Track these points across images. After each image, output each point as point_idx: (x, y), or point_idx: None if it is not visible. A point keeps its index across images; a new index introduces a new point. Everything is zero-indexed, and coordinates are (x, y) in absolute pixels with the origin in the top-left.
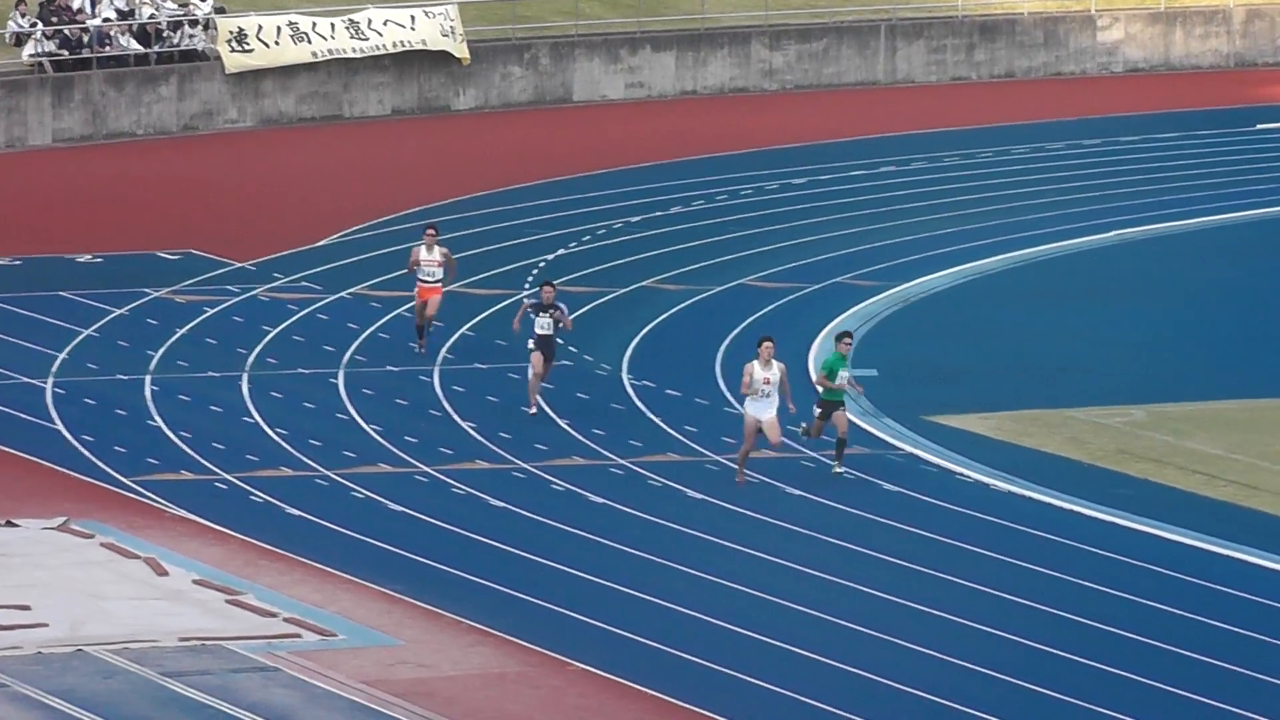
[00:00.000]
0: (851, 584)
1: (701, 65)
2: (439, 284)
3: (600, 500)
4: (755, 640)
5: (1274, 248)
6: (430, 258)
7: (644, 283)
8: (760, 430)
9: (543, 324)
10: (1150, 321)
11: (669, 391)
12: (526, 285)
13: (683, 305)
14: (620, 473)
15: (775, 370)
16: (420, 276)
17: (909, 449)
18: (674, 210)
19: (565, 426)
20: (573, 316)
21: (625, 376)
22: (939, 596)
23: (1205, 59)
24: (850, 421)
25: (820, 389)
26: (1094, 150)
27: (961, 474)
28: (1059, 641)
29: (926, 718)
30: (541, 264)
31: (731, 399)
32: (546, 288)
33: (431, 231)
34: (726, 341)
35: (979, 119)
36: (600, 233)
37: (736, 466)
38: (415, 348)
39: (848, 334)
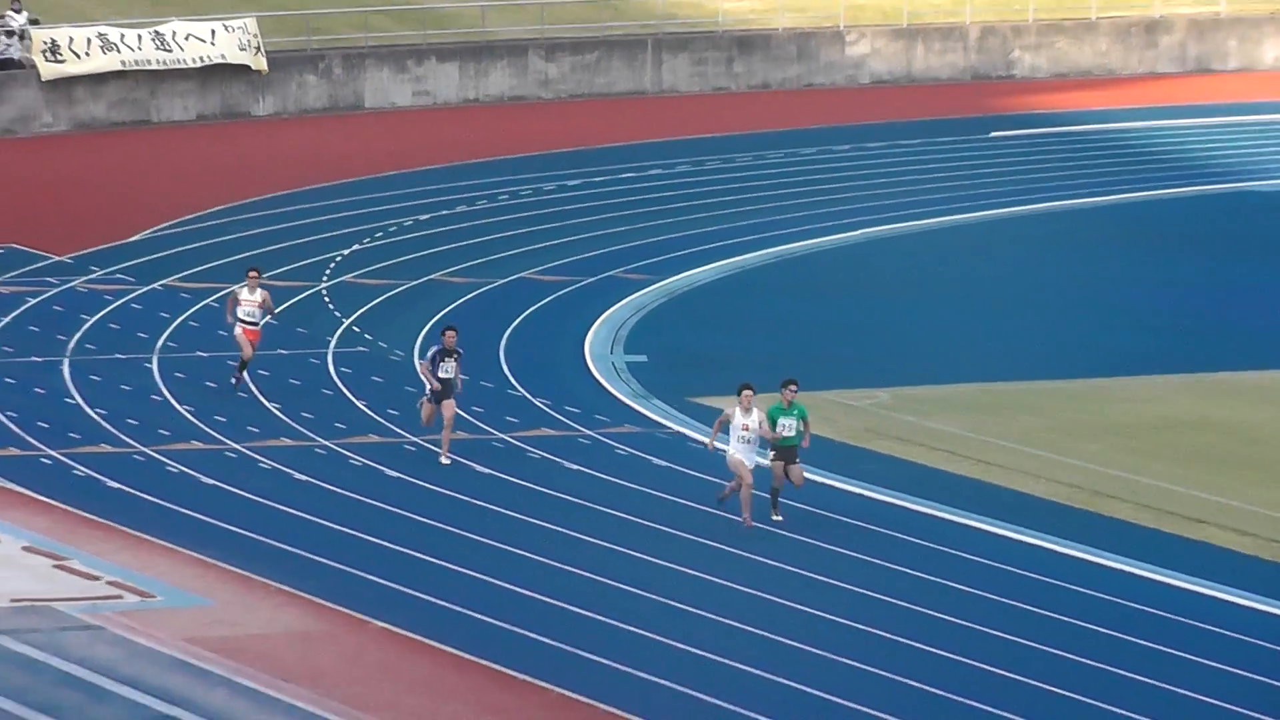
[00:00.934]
0: (623, 549)
1: (483, 75)
2: (257, 326)
3: (394, 474)
4: (530, 598)
5: (1006, 244)
6: (251, 298)
7: (432, 276)
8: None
9: (446, 369)
10: (895, 312)
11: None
12: (324, 278)
13: (468, 297)
14: (412, 449)
15: (755, 417)
16: (240, 316)
17: (676, 428)
18: (459, 209)
19: (363, 408)
20: (367, 308)
21: (417, 362)
22: (700, 559)
23: (944, 72)
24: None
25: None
26: (843, 155)
27: (722, 449)
28: (805, 599)
29: (684, 664)
30: (338, 258)
31: (514, 381)
32: (448, 332)
33: (254, 273)
34: (509, 330)
35: (738, 126)
36: (392, 230)
37: (727, 493)
38: (233, 381)
39: (792, 381)
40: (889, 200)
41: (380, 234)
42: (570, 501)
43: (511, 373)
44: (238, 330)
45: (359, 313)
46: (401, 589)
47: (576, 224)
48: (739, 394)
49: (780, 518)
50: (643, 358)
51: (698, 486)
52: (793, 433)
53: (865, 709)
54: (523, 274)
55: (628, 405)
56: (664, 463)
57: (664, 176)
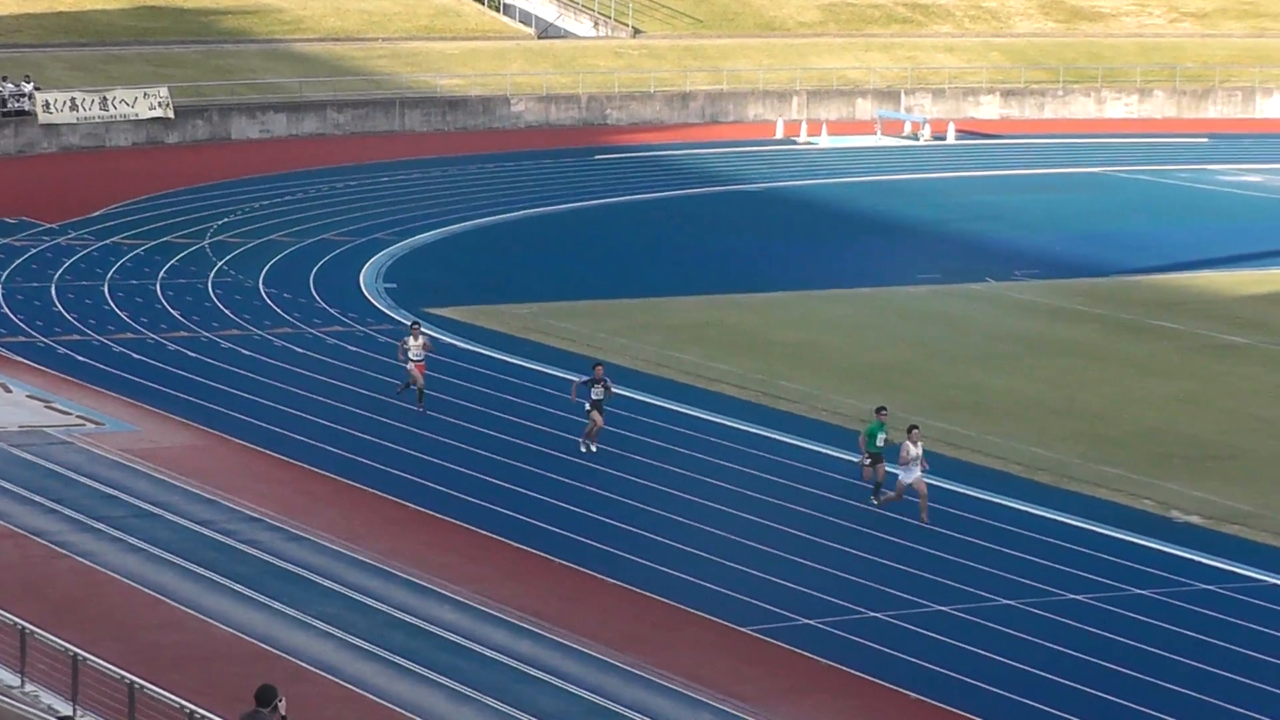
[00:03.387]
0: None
1: (300, 121)
2: (422, 361)
3: (242, 351)
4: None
5: (605, 220)
6: (416, 344)
7: (271, 237)
8: (911, 486)
9: (596, 393)
10: (541, 261)
11: (285, 294)
12: (207, 238)
13: (292, 249)
14: (239, 334)
15: (919, 449)
16: (411, 357)
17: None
18: (286, 198)
19: (229, 313)
20: (231, 256)
21: (262, 287)
22: (402, 420)
23: (568, 121)
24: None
25: (862, 447)
26: (511, 169)
27: (440, 338)
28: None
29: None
30: (214, 226)
31: (319, 299)
32: (597, 367)
33: (417, 325)
34: (315, 269)
35: (450, 151)
36: (247, 210)
37: (879, 491)
38: (402, 393)
39: (883, 408)
40: (537, 194)
41: (239, 212)
42: (339, 365)
43: (318, 294)
44: (410, 366)
45: (226, 258)
46: (249, 419)
47: (355, 206)
48: (909, 432)
49: (877, 501)
50: (394, 285)
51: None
52: (883, 444)
53: None
54: (324, 236)
55: (386, 313)
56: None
57: (407, 179)
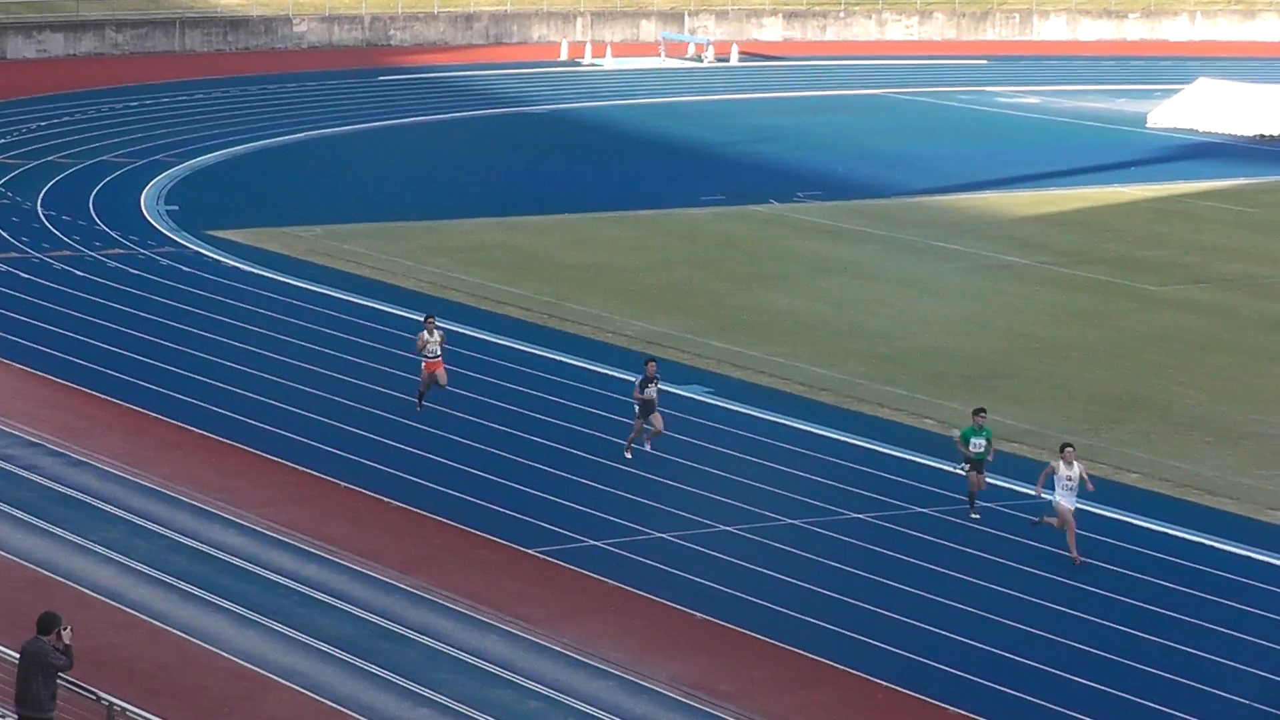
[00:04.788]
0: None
1: (77, 41)
2: (439, 358)
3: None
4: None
5: (392, 141)
6: (432, 339)
7: (49, 158)
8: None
9: (650, 393)
10: (313, 180)
11: (64, 216)
12: None
13: (71, 170)
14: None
15: (1076, 470)
16: (426, 355)
17: (194, 248)
18: (65, 119)
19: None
20: (8, 177)
21: (40, 210)
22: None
23: (350, 42)
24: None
25: (961, 452)
26: (294, 90)
27: (223, 261)
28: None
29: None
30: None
31: (99, 221)
32: (650, 364)
33: (431, 320)
34: (94, 191)
35: (233, 71)
36: (25, 130)
37: (1046, 521)
38: (417, 408)
39: (982, 410)
40: (321, 116)
41: (16, 134)
42: (118, 289)
43: (98, 217)
44: (424, 365)
45: (3, 180)
46: (28, 343)
47: (136, 127)
48: (1061, 451)
49: (977, 515)
50: (176, 207)
51: (207, 285)
52: (982, 449)
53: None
54: (104, 158)
55: (168, 235)
56: (188, 269)
57: (189, 101)
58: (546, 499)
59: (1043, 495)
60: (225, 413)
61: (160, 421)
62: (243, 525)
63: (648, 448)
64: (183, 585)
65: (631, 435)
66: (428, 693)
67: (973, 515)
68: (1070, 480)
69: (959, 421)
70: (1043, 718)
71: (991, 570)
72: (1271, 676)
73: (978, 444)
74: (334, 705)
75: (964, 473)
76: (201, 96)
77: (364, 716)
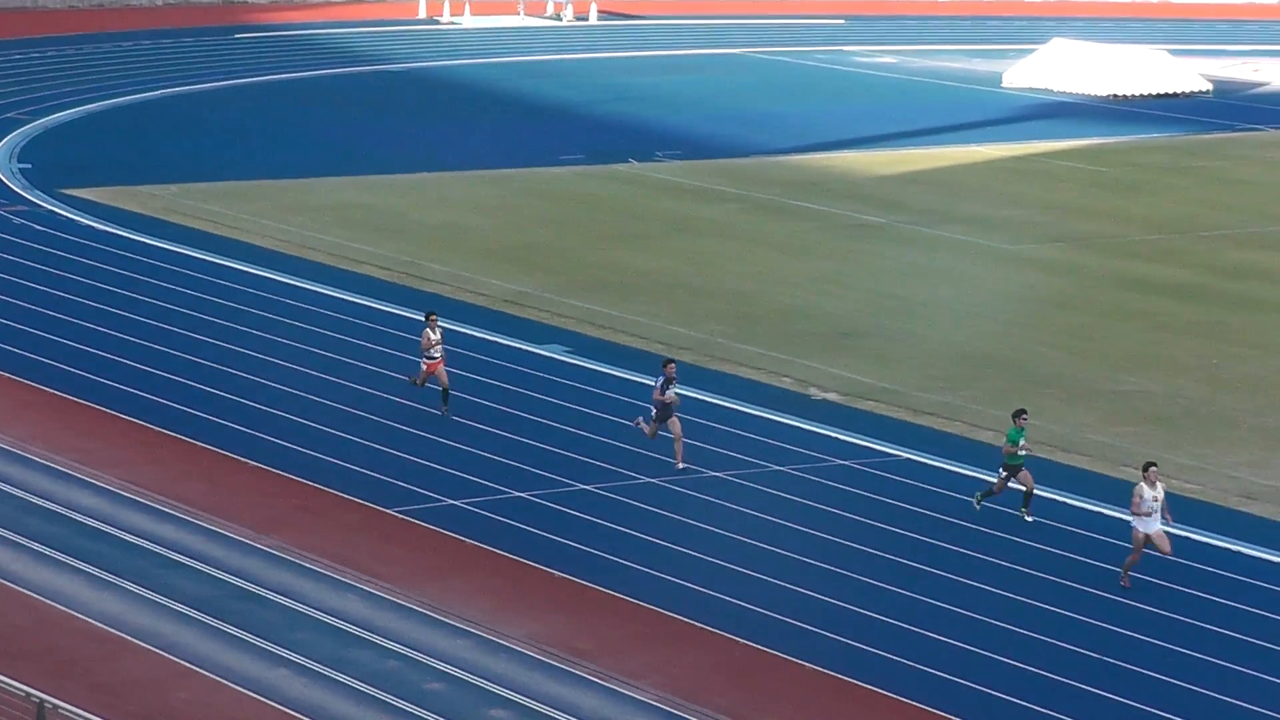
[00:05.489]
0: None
1: None
2: (439, 359)
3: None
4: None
5: (249, 99)
6: (434, 338)
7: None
8: (1149, 540)
9: (670, 395)
10: (180, 139)
11: None
12: None
13: None
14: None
15: (1160, 490)
16: (427, 355)
17: (49, 207)
18: None
19: None
20: None
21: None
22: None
23: None
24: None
25: (1006, 456)
26: (153, 47)
27: (78, 220)
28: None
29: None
30: None
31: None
32: (669, 365)
33: (434, 316)
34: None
35: (106, 27)
36: None
37: (1122, 570)
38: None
39: (1023, 411)
40: (177, 73)
41: None
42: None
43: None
44: (424, 365)
45: None
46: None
47: None
48: (1145, 471)
49: (1031, 518)
50: (29, 165)
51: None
52: (1024, 454)
53: None
54: None
55: (21, 194)
56: (42, 228)
57: (42, 58)
58: (405, 458)
59: (1134, 525)
60: (79, 372)
61: (13, 382)
62: (98, 485)
63: (679, 466)
64: (37, 546)
65: (649, 432)
66: (286, 653)
67: (1027, 518)
68: (1157, 502)
69: (816, 380)
70: (892, 670)
71: (847, 527)
72: (1115, 629)
73: (1025, 446)
74: (191, 666)
75: (999, 478)
76: (54, 54)
77: (221, 677)
